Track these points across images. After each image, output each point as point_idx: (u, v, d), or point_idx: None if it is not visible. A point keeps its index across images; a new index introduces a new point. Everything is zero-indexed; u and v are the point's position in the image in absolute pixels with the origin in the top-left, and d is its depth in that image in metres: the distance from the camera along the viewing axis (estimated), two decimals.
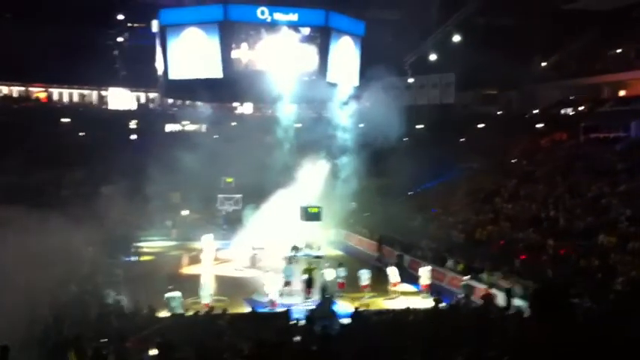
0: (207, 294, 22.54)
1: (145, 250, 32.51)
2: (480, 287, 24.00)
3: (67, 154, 37.91)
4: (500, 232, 30.41)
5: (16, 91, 51.86)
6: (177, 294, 20.79)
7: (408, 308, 19.22)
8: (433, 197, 40.85)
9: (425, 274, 26.03)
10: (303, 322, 17.24)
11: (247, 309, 21.69)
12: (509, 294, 22.22)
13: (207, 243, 33.06)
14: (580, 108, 41.86)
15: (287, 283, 24.95)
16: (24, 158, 35.38)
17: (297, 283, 25.34)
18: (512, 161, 40.78)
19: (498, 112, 49.08)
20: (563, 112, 43.59)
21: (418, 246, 32.56)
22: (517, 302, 21.39)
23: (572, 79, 43.92)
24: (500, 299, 22.06)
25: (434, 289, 24.58)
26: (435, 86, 48.20)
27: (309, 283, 24.46)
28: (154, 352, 13.25)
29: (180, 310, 19.63)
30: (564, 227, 27.96)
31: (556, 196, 31.38)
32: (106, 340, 13.99)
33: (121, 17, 40.93)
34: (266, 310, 22.04)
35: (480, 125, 47.54)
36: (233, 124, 48.53)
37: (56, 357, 13.44)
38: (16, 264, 19.25)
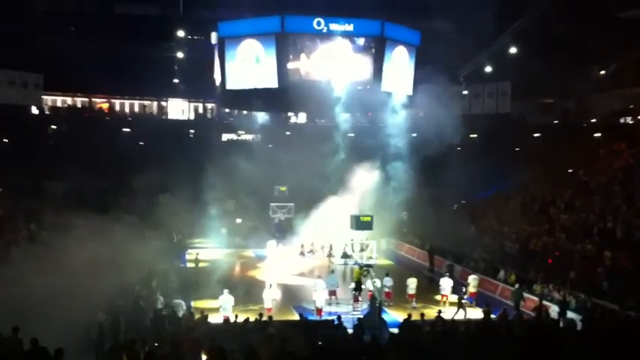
0: (269, 298, 23.01)
1: (200, 257, 33.17)
2: (532, 298, 23.71)
3: (127, 163, 38.96)
4: (556, 243, 29.88)
5: (79, 101, 53.54)
6: (228, 298, 21.27)
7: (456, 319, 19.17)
8: (487, 207, 40.41)
9: (473, 282, 25.98)
10: (351, 331, 17.42)
11: (296, 316, 21.89)
12: (563, 306, 21.92)
13: (271, 249, 33.82)
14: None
15: (331, 293, 24.88)
16: (86, 166, 36.59)
17: (342, 292, 25.46)
18: (569, 171, 39.96)
19: (555, 122, 48.16)
20: (622, 121, 42.55)
21: (470, 256, 32.30)
22: (570, 315, 21.16)
23: (630, 87, 42.79)
24: (554, 312, 21.78)
25: (482, 299, 24.43)
26: (490, 95, 47.69)
27: (357, 291, 24.34)
28: (205, 356, 13.65)
29: (230, 314, 20.05)
30: (622, 238, 27.33)
31: (614, 206, 30.68)
32: (158, 344, 14.42)
33: (181, 34, 42.00)
34: (315, 317, 22.25)
35: (536, 135, 46.75)
36: (287, 133, 49.06)
37: None
38: (75, 268, 20.09)
